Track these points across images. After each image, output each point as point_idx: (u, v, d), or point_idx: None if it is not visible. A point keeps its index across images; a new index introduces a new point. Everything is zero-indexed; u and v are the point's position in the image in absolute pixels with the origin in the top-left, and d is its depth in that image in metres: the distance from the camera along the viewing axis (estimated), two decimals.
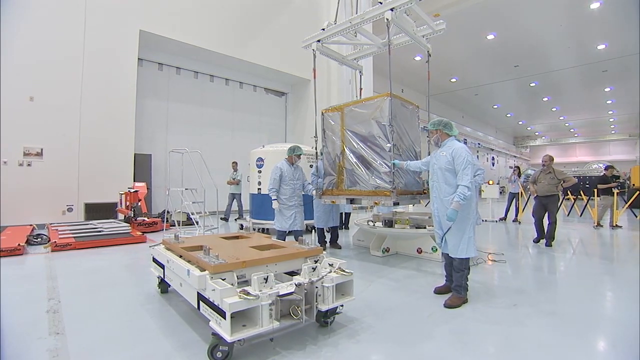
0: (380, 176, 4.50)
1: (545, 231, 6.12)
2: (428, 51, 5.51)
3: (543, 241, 6.13)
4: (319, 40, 5.48)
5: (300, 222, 5.17)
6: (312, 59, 5.60)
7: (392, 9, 4.43)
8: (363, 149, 4.72)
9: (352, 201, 5.07)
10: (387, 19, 4.46)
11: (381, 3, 4.54)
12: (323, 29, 5.33)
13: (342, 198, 5.01)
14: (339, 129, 5.07)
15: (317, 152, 5.46)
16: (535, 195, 6.37)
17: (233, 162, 10.15)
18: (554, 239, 6.06)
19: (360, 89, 7.15)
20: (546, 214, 6.17)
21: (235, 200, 9.94)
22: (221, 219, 9.35)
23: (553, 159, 6.39)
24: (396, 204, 4.49)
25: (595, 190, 9.72)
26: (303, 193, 5.35)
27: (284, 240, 4.52)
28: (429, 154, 4.22)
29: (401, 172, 4.52)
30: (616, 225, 8.63)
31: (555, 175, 6.12)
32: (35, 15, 7.67)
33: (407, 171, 4.57)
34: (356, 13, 5.13)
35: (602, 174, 9.57)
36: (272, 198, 5.02)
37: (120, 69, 8.80)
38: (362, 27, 5.17)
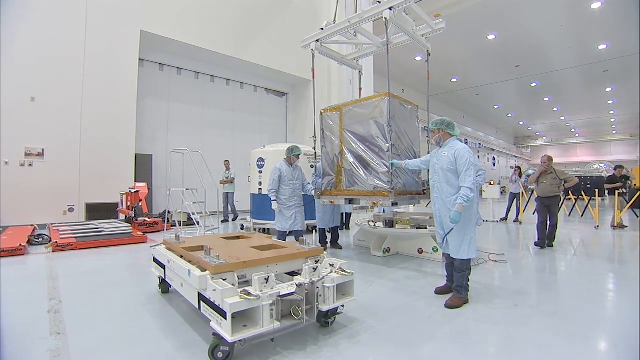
0: (378, 176, 4.48)
1: (547, 233, 6.11)
2: (428, 51, 5.50)
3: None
4: (318, 40, 5.47)
5: (301, 222, 5.17)
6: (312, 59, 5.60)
7: (390, 8, 4.42)
8: (362, 149, 4.71)
9: (350, 201, 5.05)
10: (386, 18, 4.44)
11: (380, 2, 4.53)
12: (322, 29, 5.32)
13: (340, 198, 5.01)
14: (337, 129, 5.06)
15: (316, 153, 5.46)
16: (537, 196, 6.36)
17: (225, 161, 10.13)
18: (554, 239, 6.06)
19: (360, 89, 7.12)
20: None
21: (227, 199, 9.86)
22: (222, 221, 9.32)
23: (552, 159, 6.38)
24: (394, 204, 4.47)
25: (597, 190, 9.70)
26: (303, 193, 5.35)
27: (285, 240, 4.51)
28: (429, 154, 4.21)
29: (400, 172, 4.50)
30: (617, 225, 8.60)
31: (557, 175, 6.11)
32: (35, 15, 7.69)
33: (406, 171, 4.55)
34: (356, 13, 5.12)
35: (611, 173, 9.45)
36: (272, 199, 5.01)
37: (121, 69, 8.82)
38: (362, 26, 5.16)
